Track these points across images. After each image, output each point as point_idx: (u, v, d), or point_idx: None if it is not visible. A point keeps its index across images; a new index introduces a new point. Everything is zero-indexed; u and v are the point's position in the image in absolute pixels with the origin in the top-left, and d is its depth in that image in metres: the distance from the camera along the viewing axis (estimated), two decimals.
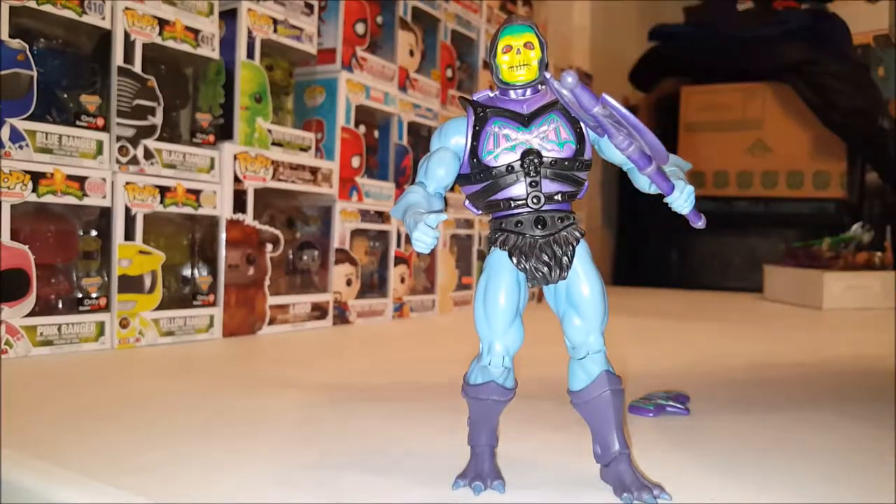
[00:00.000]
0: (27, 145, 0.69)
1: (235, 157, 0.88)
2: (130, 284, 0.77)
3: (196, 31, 0.84)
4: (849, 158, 1.99)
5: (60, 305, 0.74)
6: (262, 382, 0.63)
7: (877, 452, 0.44)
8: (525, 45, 0.35)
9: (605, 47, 2.21)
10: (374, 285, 1.14)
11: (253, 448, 0.43)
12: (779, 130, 2.02)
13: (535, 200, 0.34)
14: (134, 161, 0.78)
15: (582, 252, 0.35)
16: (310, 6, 1.00)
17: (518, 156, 0.34)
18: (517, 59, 0.35)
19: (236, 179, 0.88)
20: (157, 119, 0.80)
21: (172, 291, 0.84)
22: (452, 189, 0.37)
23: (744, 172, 2.07)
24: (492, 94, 0.36)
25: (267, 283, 0.92)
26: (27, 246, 0.69)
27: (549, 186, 0.34)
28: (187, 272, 0.86)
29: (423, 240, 0.32)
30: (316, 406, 0.54)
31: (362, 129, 1.11)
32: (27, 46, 0.70)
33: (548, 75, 0.33)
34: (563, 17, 1.99)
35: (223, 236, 0.87)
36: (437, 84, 1.26)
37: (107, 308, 0.75)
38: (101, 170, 0.75)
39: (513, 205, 0.35)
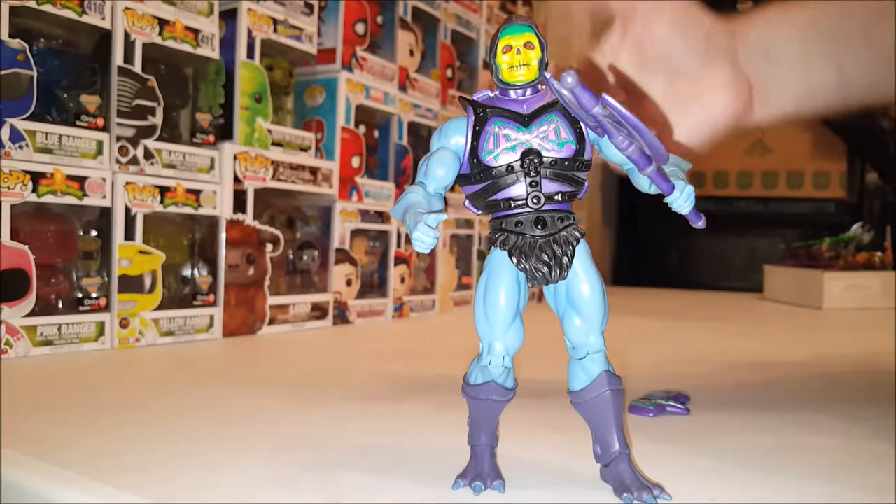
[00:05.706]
0: (27, 145, 0.69)
1: (235, 157, 0.88)
2: (130, 284, 0.77)
3: (196, 31, 0.84)
4: (849, 158, 1.99)
5: (60, 305, 0.74)
6: (262, 382, 0.63)
7: (877, 452, 0.44)
8: (525, 45, 0.35)
9: None
10: (374, 285, 1.14)
11: (253, 448, 0.43)
12: (779, 130, 2.02)
13: (535, 200, 0.34)
14: (134, 161, 0.78)
15: (582, 252, 0.35)
16: (310, 6, 1.00)
17: (518, 156, 0.34)
18: (517, 59, 0.35)
19: (236, 179, 0.88)
20: (157, 119, 0.80)
21: (172, 291, 0.84)
22: (452, 189, 0.37)
23: (744, 172, 2.08)
24: (492, 94, 0.36)
25: (267, 283, 0.92)
26: (27, 246, 0.69)
27: (549, 186, 0.34)
28: (187, 272, 0.86)
29: (423, 240, 0.32)
30: (316, 406, 0.54)
31: (362, 129, 1.11)
32: (27, 46, 0.70)
33: (548, 75, 0.33)
34: (562, 17, 1.99)
35: (223, 236, 0.87)
36: (437, 84, 1.26)
37: (107, 308, 0.75)
38: (101, 170, 0.75)
39: (513, 205, 0.34)
